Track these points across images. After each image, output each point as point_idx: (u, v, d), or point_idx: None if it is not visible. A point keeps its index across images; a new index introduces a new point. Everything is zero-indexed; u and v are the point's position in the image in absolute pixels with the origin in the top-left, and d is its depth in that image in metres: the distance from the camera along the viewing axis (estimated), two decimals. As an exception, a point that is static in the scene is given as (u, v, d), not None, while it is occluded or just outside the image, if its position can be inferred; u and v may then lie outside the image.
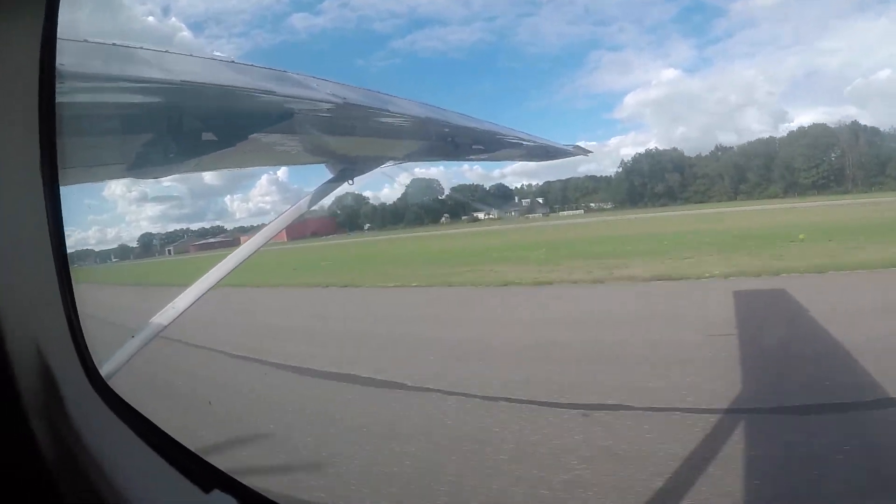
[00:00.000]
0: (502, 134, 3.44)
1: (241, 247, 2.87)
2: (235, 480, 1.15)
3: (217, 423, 5.70)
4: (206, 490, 1.06)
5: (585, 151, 4.68)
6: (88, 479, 0.97)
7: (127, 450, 1.11)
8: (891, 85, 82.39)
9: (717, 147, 76.47)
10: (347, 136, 2.85)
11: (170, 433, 1.25)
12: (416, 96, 3.20)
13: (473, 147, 3.45)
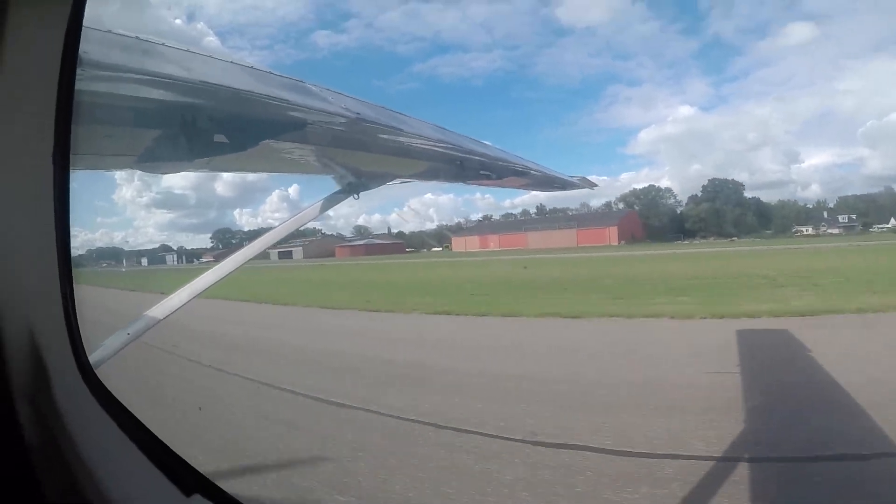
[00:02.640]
0: (510, 161, 3.47)
1: (240, 251, 2.86)
2: (216, 486, 1.13)
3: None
4: (188, 493, 1.03)
5: (591, 185, 4.72)
6: (70, 469, 0.96)
7: (111, 445, 1.09)
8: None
9: None
10: (357, 150, 2.87)
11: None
12: (433, 120, 3.25)
13: (481, 172, 3.48)
